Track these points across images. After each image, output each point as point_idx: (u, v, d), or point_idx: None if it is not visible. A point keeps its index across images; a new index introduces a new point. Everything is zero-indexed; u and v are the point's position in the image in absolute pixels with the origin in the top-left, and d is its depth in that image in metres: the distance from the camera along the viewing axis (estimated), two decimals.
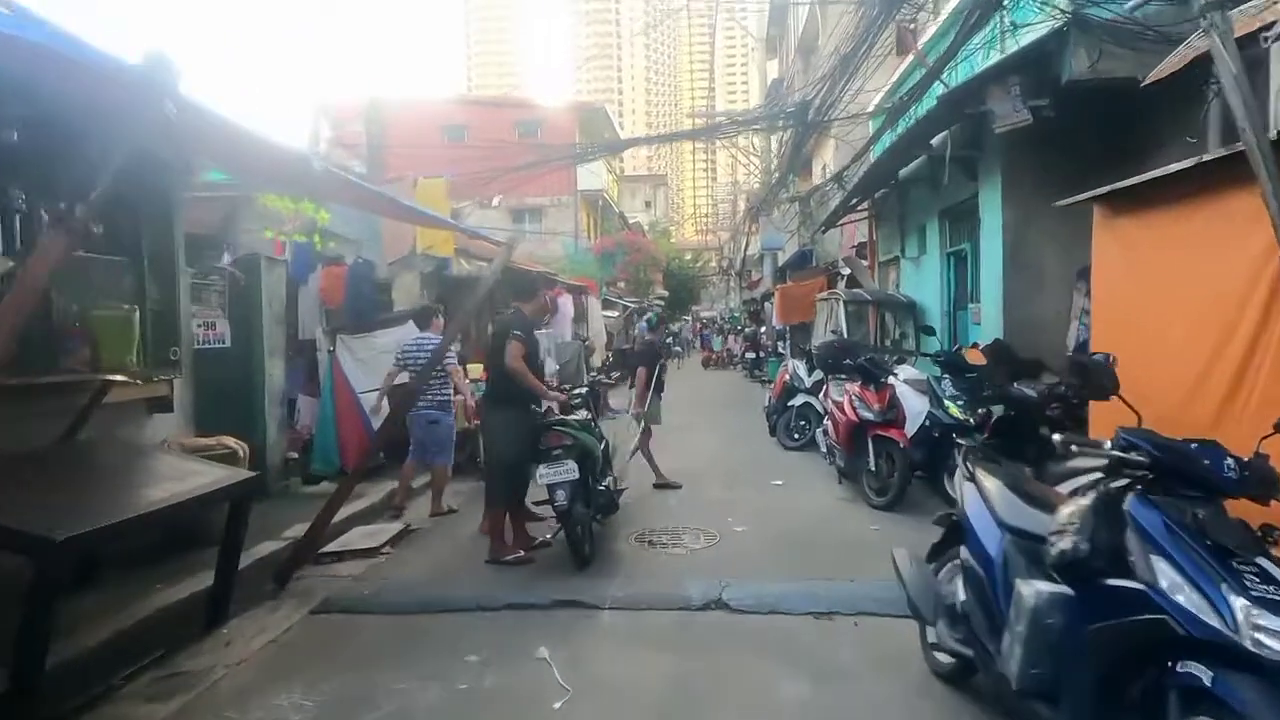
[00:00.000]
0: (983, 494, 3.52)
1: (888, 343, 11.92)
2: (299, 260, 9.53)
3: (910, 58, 10.05)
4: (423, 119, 30.22)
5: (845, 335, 10.60)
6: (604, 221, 33.53)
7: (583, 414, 6.03)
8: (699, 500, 7.68)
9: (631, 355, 8.16)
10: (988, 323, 8.04)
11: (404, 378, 6.97)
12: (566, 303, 13.78)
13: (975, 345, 5.81)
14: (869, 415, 7.11)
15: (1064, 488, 3.75)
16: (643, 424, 8.35)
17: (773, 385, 12.41)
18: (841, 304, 10.70)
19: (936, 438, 7.28)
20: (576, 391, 6.64)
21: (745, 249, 34.88)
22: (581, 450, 5.55)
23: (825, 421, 8.48)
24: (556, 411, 6.05)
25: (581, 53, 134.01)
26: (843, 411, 7.55)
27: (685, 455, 9.80)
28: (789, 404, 10.54)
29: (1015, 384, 4.81)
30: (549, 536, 5.94)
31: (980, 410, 7.20)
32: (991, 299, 7.95)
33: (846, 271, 13.93)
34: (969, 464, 3.84)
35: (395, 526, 6.69)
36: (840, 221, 13.28)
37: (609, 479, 6.29)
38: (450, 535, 6.57)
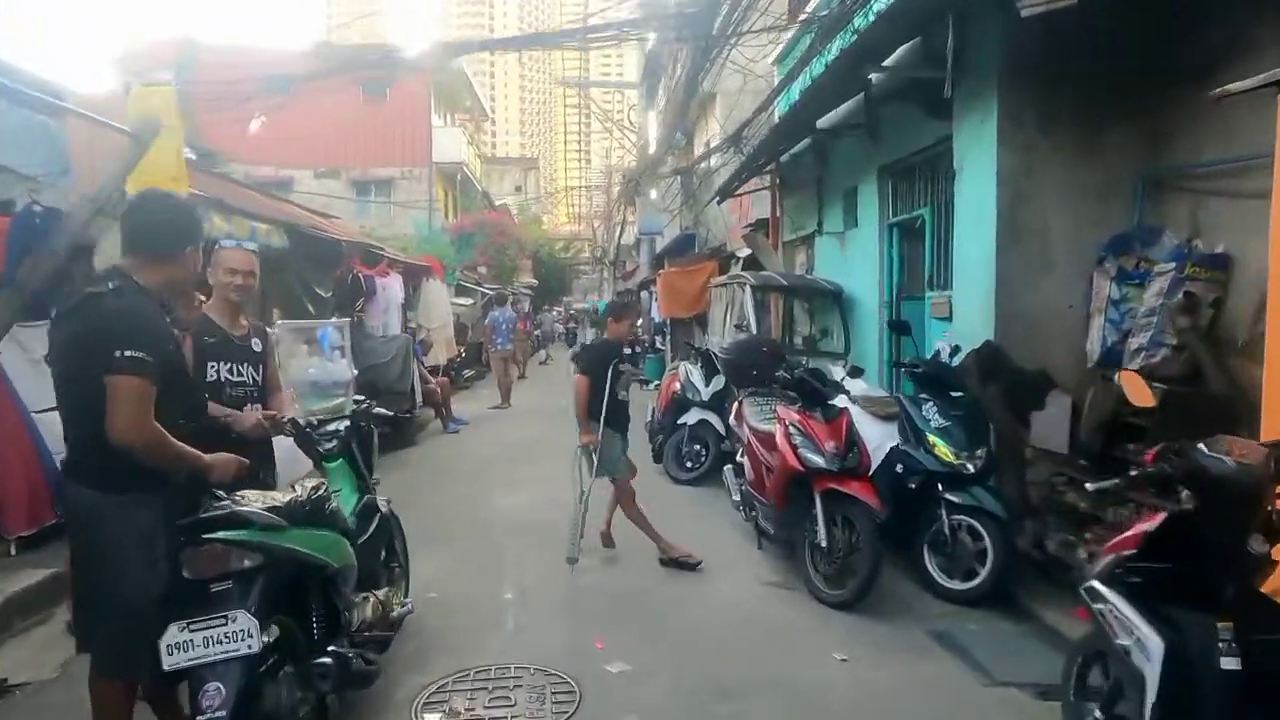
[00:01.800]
0: None
1: (796, 341, 9.54)
2: None
3: None
4: (250, 69, 25.86)
5: (756, 331, 8.06)
6: (464, 199, 30.01)
7: (310, 484, 3.03)
8: (552, 590, 4.88)
9: (580, 356, 5.26)
10: (966, 318, 5.66)
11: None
12: (392, 284, 10.61)
13: (1129, 372, 3.49)
14: (819, 461, 4.52)
15: None
16: (605, 474, 5.26)
17: (656, 392, 9.78)
18: (748, 291, 8.15)
19: (913, 489, 4.81)
20: (328, 429, 3.68)
21: (620, 235, 32.31)
22: (280, 574, 2.63)
23: (738, 456, 5.88)
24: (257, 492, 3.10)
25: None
26: (773, 449, 4.95)
27: (540, 491, 7.03)
28: (680, 421, 7.92)
29: (1200, 446, 2.27)
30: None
31: (979, 451, 4.78)
32: (973, 284, 5.57)
33: (745, 253, 11.48)
34: None
35: None
36: (736, 190, 10.80)
37: (373, 601, 3.38)
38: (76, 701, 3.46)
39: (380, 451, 9.90)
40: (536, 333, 27.63)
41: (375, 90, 26.76)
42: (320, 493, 2.98)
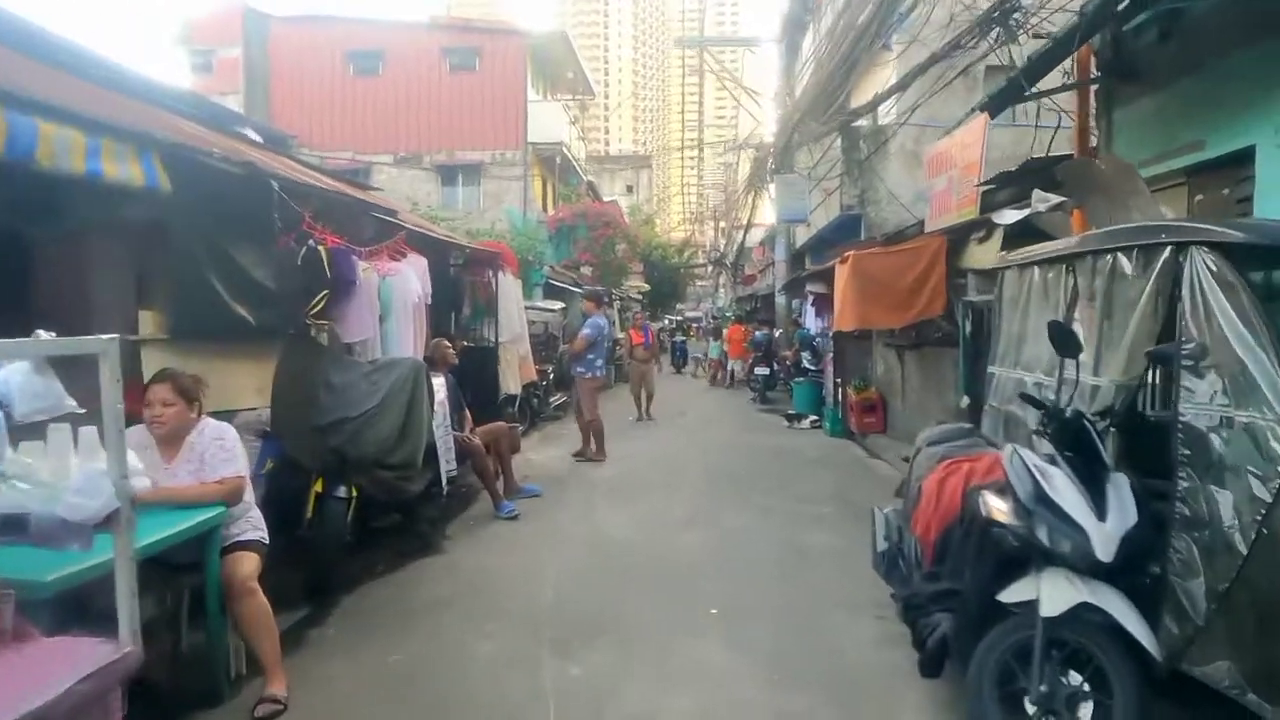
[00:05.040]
0: None
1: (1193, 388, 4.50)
2: None
3: None
4: (323, 43, 22.72)
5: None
6: (564, 189, 25.90)
7: None
8: None
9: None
10: None
11: None
12: (405, 273, 6.23)
13: None
14: None
15: None
16: None
17: (910, 490, 4.98)
18: (1204, 264, 3.12)
19: None
20: None
21: (746, 229, 27.48)
22: None
23: None
24: None
25: None
26: None
27: None
28: (1005, 599, 3.09)
29: None
30: None
31: None
32: None
33: (1010, 218, 6.48)
34: None
35: None
36: (1031, 90, 5.87)
37: None
38: None
39: (352, 579, 4.54)
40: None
41: (464, 61, 23.04)
42: None
